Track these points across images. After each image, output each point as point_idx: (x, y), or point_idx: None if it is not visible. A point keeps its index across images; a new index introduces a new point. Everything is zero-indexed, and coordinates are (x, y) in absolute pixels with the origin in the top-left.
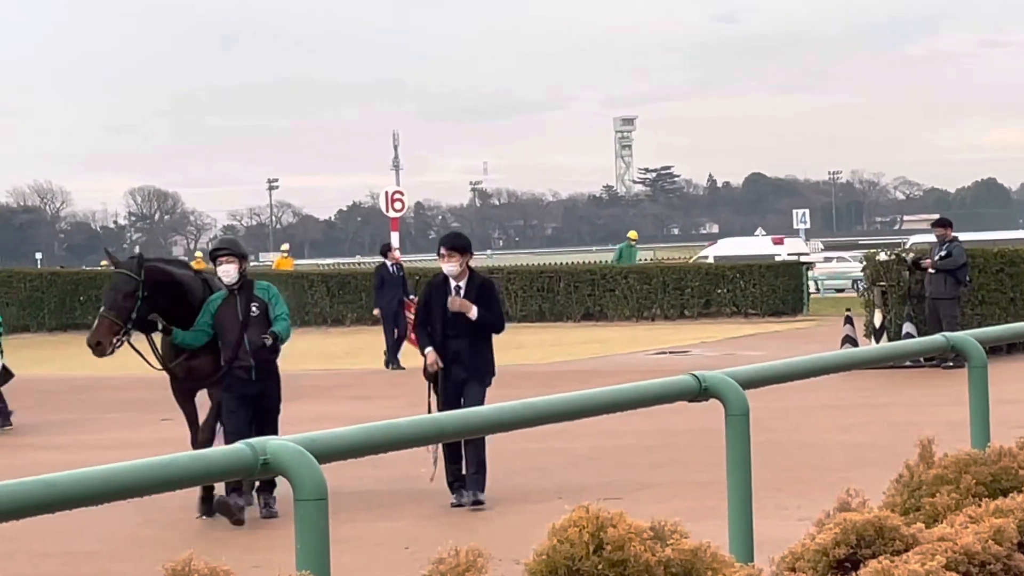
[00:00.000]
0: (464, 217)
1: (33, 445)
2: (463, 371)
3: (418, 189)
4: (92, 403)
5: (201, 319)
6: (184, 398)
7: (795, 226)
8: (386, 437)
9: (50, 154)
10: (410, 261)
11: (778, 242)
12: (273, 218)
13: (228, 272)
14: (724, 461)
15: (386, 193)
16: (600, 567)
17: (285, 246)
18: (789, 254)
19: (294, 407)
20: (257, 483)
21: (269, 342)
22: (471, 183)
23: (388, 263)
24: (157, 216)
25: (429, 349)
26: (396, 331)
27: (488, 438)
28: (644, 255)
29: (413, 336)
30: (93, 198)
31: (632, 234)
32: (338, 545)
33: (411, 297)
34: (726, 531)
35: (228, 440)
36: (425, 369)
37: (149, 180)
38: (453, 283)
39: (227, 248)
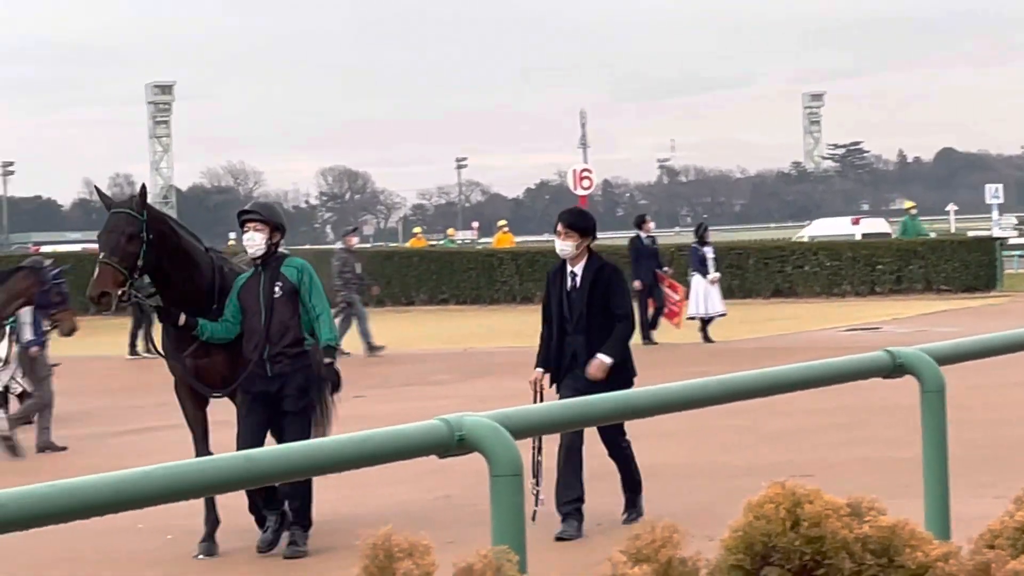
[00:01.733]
0: (652, 194)
1: (228, 423)
2: (582, 379)
3: (605, 167)
4: None
5: (229, 303)
6: (192, 403)
7: (987, 201)
8: (580, 413)
9: (243, 135)
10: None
11: (855, 222)
12: (462, 197)
13: (253, 241)
14: (917, 438)
15: (574, 171)
16: (797, 543)
17: (502, 222)
18: (864, 234)
19: (489, 382)
20: (290, 516)
21: (333, 362)
22: (658, 160)
23: (642, 235)
24: (348, 196)
25: (538, 370)
26: (653, 304)
27: (672, 417)
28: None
29: (672, 309)
30: (285, 178)
31: (909, 204)
32: (528, 521)
33: (665, 269)
34: (921, 508)
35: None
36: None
37: (340, 160)
38: (569, 268)
39: (256, 212)
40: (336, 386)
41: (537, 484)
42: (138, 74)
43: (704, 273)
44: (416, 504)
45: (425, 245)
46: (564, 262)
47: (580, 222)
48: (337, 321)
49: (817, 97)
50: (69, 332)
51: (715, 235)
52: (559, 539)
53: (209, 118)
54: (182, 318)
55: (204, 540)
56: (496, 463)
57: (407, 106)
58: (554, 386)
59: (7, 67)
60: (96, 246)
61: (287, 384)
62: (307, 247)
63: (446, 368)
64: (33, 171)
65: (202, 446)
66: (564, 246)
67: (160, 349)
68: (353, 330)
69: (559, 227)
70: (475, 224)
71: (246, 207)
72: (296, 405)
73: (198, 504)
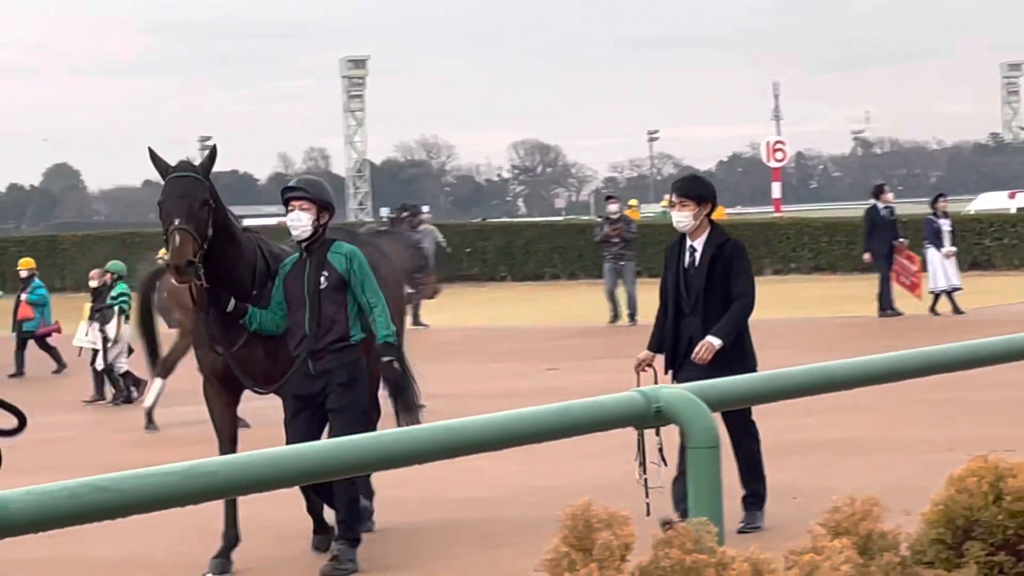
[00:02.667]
0: (845, 167)
1: (426, 393)
2: (697, 365)
3: (799, 139)
4: (478, 352)
5: (276, 291)
6: (221, 403)
7: None
8: (778, 386)
9: (436, 108)
10: (792, 211)
11: (1012, 196)
12: (653, 169)
13: (299, 222)
14: None
15: (767, 143)
16: (1000, 518)
17: (633, 200)
18: (1018, 208)
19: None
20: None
21: (396, 363)
22: (853, 132)
23: (879, 205)
24: (539, 169)
25: (646, 352)
26: (894, 275)
27: (871, 391)
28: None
29: (912, 280)
30: (477, 151)
31: None
32: (725, 493)
33: (901, 240)
34: None
35: None
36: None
37: (531, 133)
38: (688, 243)
39: (301, 188)
40: (400, 389)
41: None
42: (332, 49)
43: (938, 246)
44: (608, 477)
45: (639, 218)
46: (683, 236)
47: (694, 189)
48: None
49: (1015, 67)
50: (432, 296)
51: (909, 207)
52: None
53: (402, 92)
54: (231, 303)
55: (218, 556)
56: (693, 435)
57: (598, 79)
58: (670, 373)
59: (204, 43)
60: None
61: (330, 381)
62: (499, 220)
63: (640, 341)
64: (229, 145)
65: (228, 449)
66: (680, 217)
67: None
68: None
69: (673, 197)
70: (667, 197)
71: (290, 183)
72: (339, 402)
73: (396, 475)
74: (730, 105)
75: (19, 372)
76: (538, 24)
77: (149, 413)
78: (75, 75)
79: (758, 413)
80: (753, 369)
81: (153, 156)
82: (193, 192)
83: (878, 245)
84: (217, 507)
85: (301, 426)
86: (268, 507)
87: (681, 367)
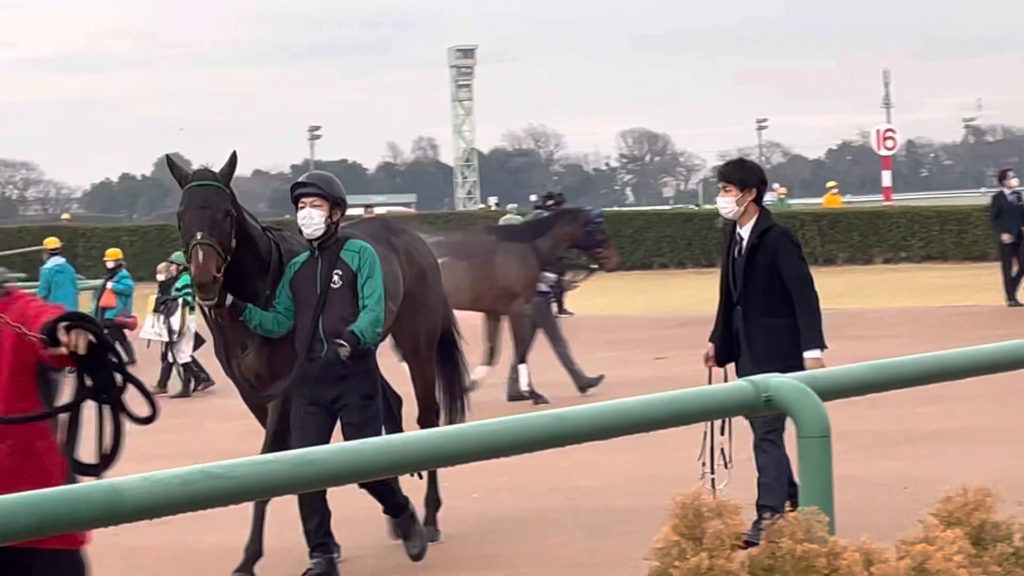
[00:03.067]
0: (957, 155)
1: (538, 383)
2: (748, 361)
3: (909, 127)
4: (588, 341)
5: (281, 292)
6: (257, 410)
7: None
8: (890, 375)
9: (544, 98)
10: (903, 200)
11: None
12: (762, 158)
13: (310, 219)
14: None
15: (877, 131)
16: None
17: (832, 183)
18: None
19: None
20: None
21: (345, 353)
22: (964, 120)
23: (1006, 191)
24: (647, 158)
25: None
26: (1017, 264)
27: (984, 381)
28: None
29: None
30: (585, 140)
31: None
32: (835, 483)
33: None
34: None
35: None
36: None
37: (640, 122)
38: (738, 229)
39: (313, 185)
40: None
41: (712, 471)
42: (441, 38)
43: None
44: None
45: (840, 204)
46: (735, 224)
47: (737, 173)
48: None
49: None
50: (613, 268)
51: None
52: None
53: (511, 81)
54: (228, 298)
55: (239, 571)
56: (804, 424)
57: (706, 67)
58: (730, 366)
59: (315, 33)
60: (402, 209)
61: (347, 392)
62: (608, 209)
63: None
64: (339, 135)
65: (279, 445)
66: (723, 203)
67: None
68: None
69: (719, 181)
70: (776, 186)
71: (301, 179)
72: (357, 417)
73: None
74: (840, 93)
75: None
76: (650, 12)
77: None
78: (187, 65)
79: (868, 401)
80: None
81: (171, 164)
82: (215, 202)
83: (1006, 231)
84: (336, 494)
85: (311, 431)
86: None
87: (738, 366)
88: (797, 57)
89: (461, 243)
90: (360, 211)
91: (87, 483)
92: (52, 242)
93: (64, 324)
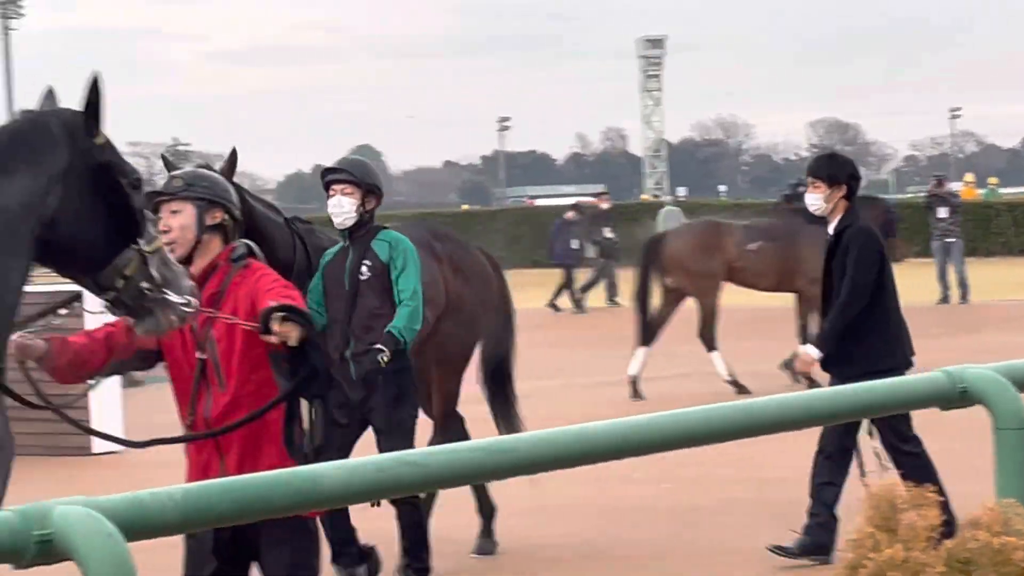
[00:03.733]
0: None
1: (686, 375)
2: (832, 365)
3: None
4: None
5: (314, 287)
6: None
7: None
8: None
9: (734, 87)
10: None
11: None
12: (955, 147)
13: (339, 208)
14: None
15: None
16: None
17: (969, 176)
18: None
19: (986, 336)
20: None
21: (385, 359)
22: None
23: None
24: (838, 148)
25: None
26: None
27: None
28: None
29: None
30: (775, 130)
31: None
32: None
33: None
34: None
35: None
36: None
37: (830, 112)
38: (828, 227)
39: (344, 171)
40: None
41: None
42: (630, 28)
43: None
44: None
45: (974, 195)
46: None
47: (826, 168)
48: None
49: None
50: (901, 259)
51: None
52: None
53: (700, 71)
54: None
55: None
56: (1000, 416)
57: (897, 57)
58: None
59: (504, 24)
60: (593, 200)
61: (376, 393)
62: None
63: (939, 321)
64: (528, 126)
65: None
66: (811, 199)
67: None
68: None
69: (808, 177)
70: (967, 176)
71: (332, 164)
72: (386, 421)
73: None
74: None
75: None
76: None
77: (634, 382)
78: (378, 58)
79: None
80: (904, 364)
81: (166, 162)
82: None
83: None
84: (519, 484)
85: (336, 436)
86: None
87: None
88: (991, 43)
89: (770, 226)
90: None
91: (286, 469)
92: None
93: (280, 315)
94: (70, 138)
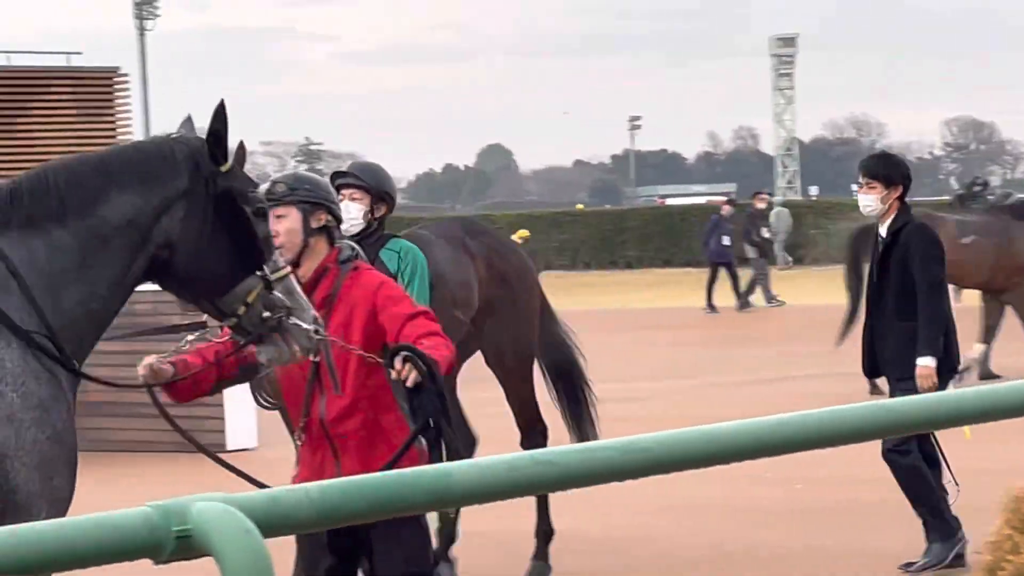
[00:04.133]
0: None
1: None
2: (891, 373)
3: None
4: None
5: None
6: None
7: None
8: None
9: (867, 86)
10: None
11: None
12: None
13: (348, 213)
14: None
15: None
16: None
17: None
18: None
19: None
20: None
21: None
22: None
23: None
24: (972, 147)
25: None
26: None
27: None
28: None
29: None
30: (908, 129)
31: None
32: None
33: None
34: None
35: None
36: None
37: (965, 110)
38: (879, 228)
39: (352, 175)
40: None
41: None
42: (762, 27)
43: None
44: None
45: None
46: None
47: (883, 169)
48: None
49: None
50: None
51: None
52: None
53: (832, 69)
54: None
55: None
56: None
57: None
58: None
59: (634, 23)
60: (721, 199)
61: None
62: (929, 199)
63: None
64: (659, 124)
65: None
66: (866, 200)
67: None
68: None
69: (860, 177)
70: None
71: (342, 168)
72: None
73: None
74: None
75: None
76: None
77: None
78: (509, 56)
79: None
80: (953, 367)
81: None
82: None
83: None
84: (655, 483)
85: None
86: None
87: (886, 371)
88: None
89: (984, 221)
90: (677, 201)
91: (419, 467)
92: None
93: (403, 354)
94: (193, 164)
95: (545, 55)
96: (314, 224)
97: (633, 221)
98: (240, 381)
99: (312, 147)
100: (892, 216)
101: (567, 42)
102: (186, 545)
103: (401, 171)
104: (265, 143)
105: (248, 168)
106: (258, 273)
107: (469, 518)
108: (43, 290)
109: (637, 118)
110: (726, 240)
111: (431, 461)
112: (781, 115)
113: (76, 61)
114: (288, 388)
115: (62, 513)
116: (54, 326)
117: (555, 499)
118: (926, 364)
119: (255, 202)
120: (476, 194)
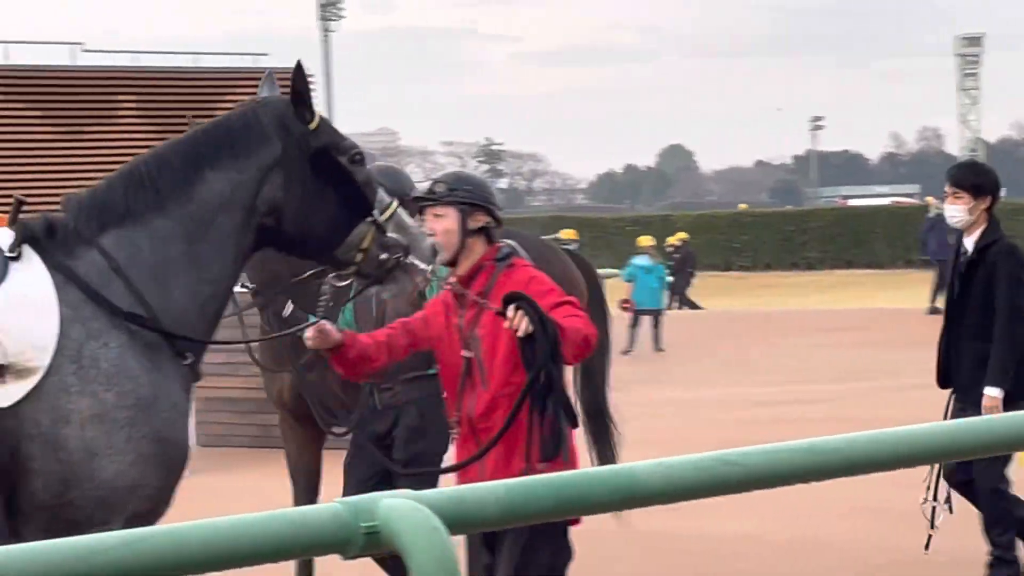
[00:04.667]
0: None
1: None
2: (968, 402)
3: None
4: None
5: (343, 312)
6: (296, 443)
7: None
8: None
9: None
10: None
11: None
12: None
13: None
14: None
15: None
16: None
17: None
18: None
19: None
20: None
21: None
22: None
23: None
24: None
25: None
26: None
27: None
28: None
29: None
30: None
31: None
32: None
33: None
34: None
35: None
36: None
37: None
38: (963, 241)
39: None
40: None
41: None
42: (946, 27)
43: None
44: None
45: None
46: (961, 235)
47: (971, 178)
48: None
49: None
50: None
51: None
52: None
53: (1020, 69)
54: (288, 307)
55: None
56: None
57: None
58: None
59: (818, 22)
60: (908, 200)
61: (398, 422)
62: None
63: None
64: (841, 125)
65: (304, 499)
66: (952, 211)
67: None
68: None
69: (945, 187)
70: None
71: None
72: (404, 452)
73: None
74: None
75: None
76: None
77: None
78: (690, 57)
79: None
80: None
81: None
82: None
83: None
84: (840, 486)
85: (363, 472)
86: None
87: (956, 395)
88: None
89: None
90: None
91: (605, 467)
92: (568, 233)
93: (515, 303)
94: (282, 128)
95: (728, 55)
96: (472, 225)
97: (815, 222)
98: (411, 368)
99: (493, 147)
100: (980, 230)
101: (750, 42)
102: (374, 541)
103: (581, 172)
104: (446, 143)
105: (429, 168)
106: (367, 220)
107: (651, 517)
108: (150, 284)
109: (819, 118)
110: (951, 239)
111: (543, 416)
112: (966, 115)
113: (263, 62)
114: (447, 381)
115: (158, 513)
116: (163, 319)
117: (739, 501)
118: (993, 396)
119: (349, 150)
120: (656, 194)
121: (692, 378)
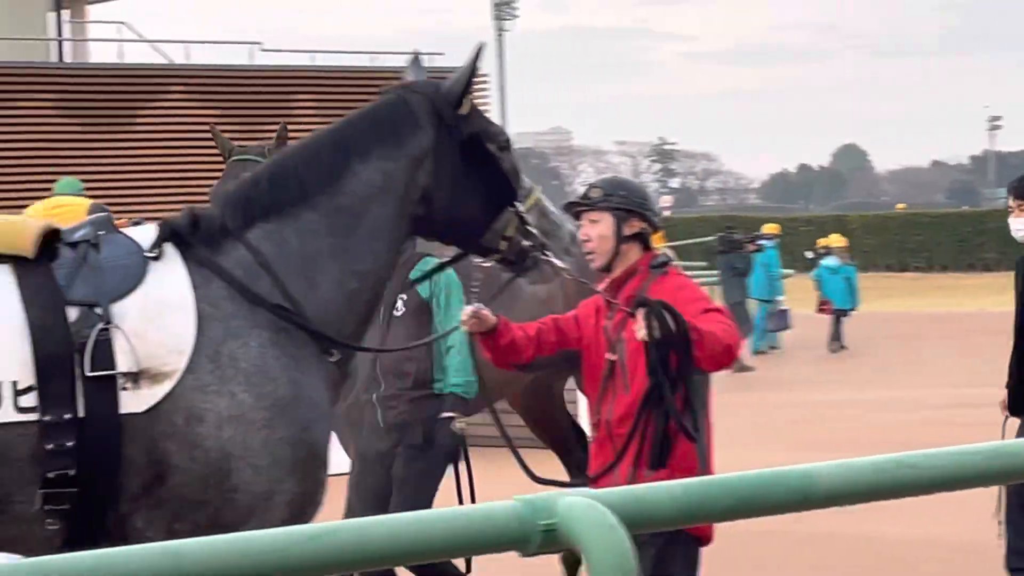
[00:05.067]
0: None
1: None
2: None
3: None
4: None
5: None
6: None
7: None
8: None
9: None
10: None
11: None
12: None
13: None
14: None
15: None
16: None
17: None
18: None
19: None
20: None
21: (461, 426)
22: None
23: None
24: None
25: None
26: None
27: None
28: None
29: None
30: None
31: None
32: None
33: None
34: None
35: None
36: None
37: None
38: None
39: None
40: (451, 455)
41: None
42: None
43: None
44: None
45: None
46: None
47: None
48: None
49: None
50: None
51: None
52: None
53: None
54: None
55: None
56: None
57: None
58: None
59: (998, 22)
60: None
61: (402, 440)
62: None
63: None
64: (1020, 125)
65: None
66: (1017, 224)
67: None
68: None
69: (1010, 200)
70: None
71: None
72: (405, 469)
73: None
74: None
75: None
76: None
77: None
78: (866, 56)
79: None
80: None
81: (214, 135)
82: None
83: None
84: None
85: (368, 491)
86: None
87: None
88: None
89: None
90: None
91: (781, 467)
92: (772, 228)
93: (644, 309)
94: (434, 115)
95: (904, 54)
96: (627, 231)
97: (993, 223)
98: (557, 365)
99: (665, 147)
100: None
101: (928, 41)
102: (552, 539)
103: (754, 172)
104: (619, 143)
105: (602, 167)
106: (510, 209)
107: (818, 518)
108: (297, 279)
109: (997, 118)
110: None
111: (647, 426)
112: None
113: (438, 62)
114: (590, 383)
115: (297, 515)
116: (310, 314)
117: (914, 504)
118: None
119: (498, 136)
120: (830, 194)
121: (867, 379)
